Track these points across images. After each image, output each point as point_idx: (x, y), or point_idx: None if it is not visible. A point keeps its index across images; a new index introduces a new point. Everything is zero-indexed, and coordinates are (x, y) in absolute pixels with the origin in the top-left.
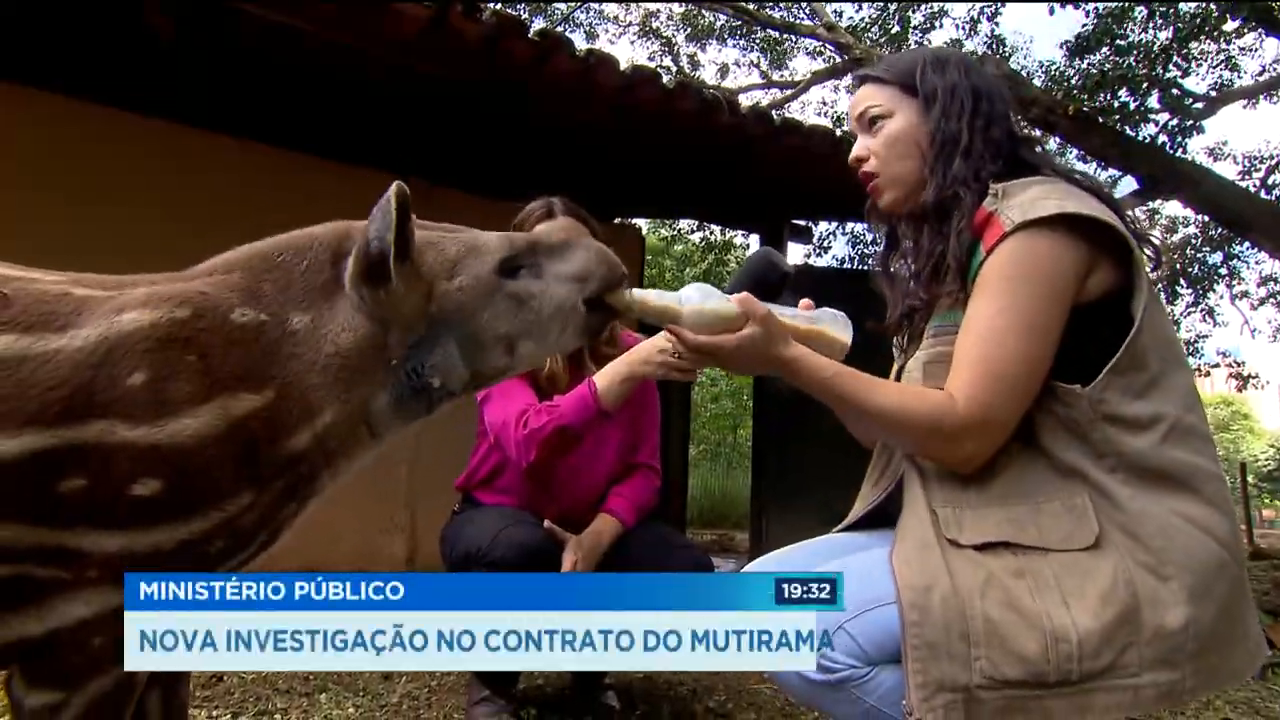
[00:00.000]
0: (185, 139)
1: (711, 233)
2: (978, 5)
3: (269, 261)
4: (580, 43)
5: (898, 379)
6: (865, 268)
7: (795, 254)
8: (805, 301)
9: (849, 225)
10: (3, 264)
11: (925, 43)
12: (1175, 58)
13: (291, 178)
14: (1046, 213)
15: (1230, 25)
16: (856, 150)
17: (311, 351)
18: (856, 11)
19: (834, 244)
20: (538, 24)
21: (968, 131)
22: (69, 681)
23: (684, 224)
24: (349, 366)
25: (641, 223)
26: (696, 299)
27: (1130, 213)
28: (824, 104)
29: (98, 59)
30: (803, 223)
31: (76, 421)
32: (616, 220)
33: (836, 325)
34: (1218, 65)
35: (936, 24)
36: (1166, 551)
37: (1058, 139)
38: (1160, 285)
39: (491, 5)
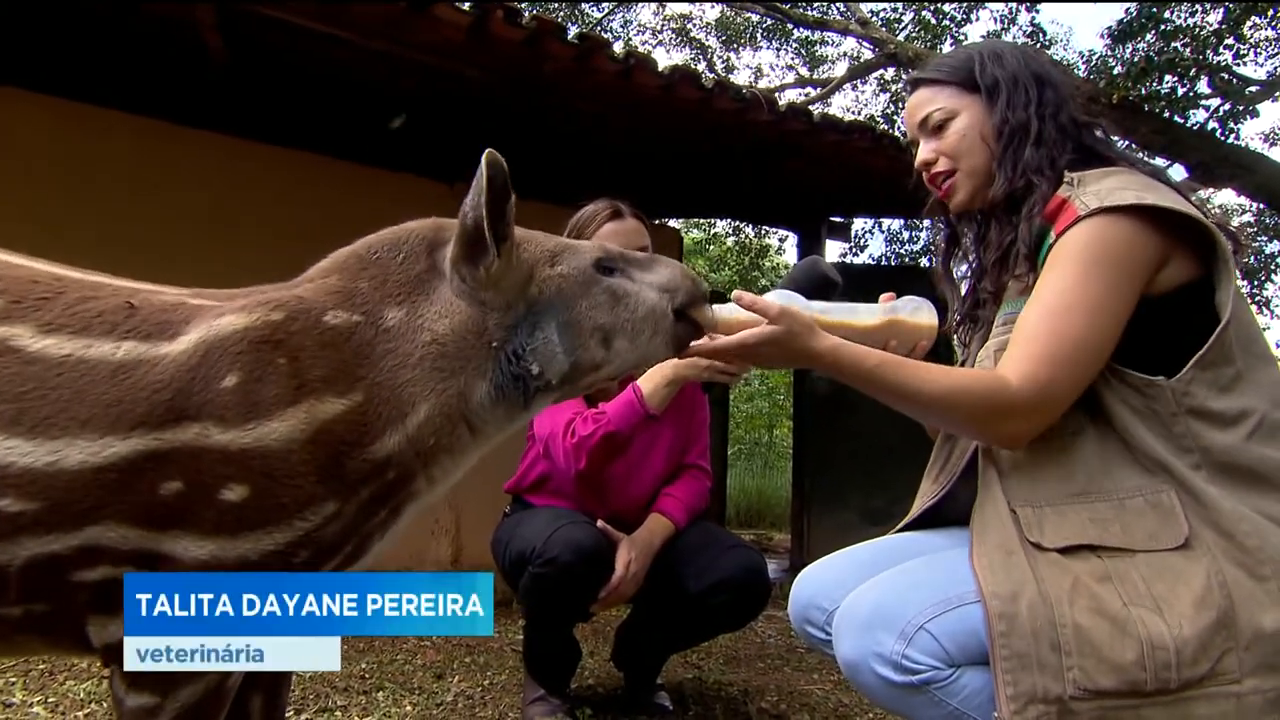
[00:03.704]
0: (238, 150)
1: (745, 236)
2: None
3: (364, 260)
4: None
5: None
6: (901, 265)
7: (833, 252)
8: (887, 295)
9: (885, 222)
10: (127, 279)
11: (962, 36)
12: (1228, 39)
13: (337, 184)
14: (1125, 202)
15: None
16: (923, 154)
17: (406, 344)
18: (891, 6)
19: (870, 242)
20: (572, 31)
21: (1036, 120)
22: (163, 686)
23: (719, 227)
24: (446, 354)
25: (677, 223)
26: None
27: (1207, 204)
28: (858, 101)
29: (158, 78)
30: (840, 220)
31: (176, 424)
32: (654, 221)
33: (919, 313)
34: (1277, 52)
35: (973, 15)
36: (1263, 550)
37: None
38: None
39: (530, 9)
